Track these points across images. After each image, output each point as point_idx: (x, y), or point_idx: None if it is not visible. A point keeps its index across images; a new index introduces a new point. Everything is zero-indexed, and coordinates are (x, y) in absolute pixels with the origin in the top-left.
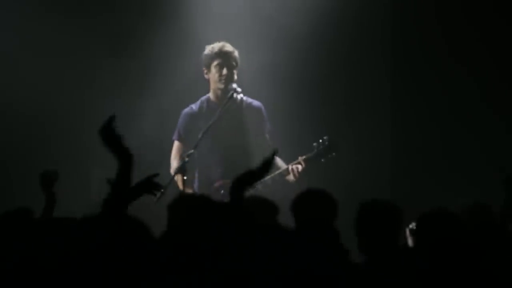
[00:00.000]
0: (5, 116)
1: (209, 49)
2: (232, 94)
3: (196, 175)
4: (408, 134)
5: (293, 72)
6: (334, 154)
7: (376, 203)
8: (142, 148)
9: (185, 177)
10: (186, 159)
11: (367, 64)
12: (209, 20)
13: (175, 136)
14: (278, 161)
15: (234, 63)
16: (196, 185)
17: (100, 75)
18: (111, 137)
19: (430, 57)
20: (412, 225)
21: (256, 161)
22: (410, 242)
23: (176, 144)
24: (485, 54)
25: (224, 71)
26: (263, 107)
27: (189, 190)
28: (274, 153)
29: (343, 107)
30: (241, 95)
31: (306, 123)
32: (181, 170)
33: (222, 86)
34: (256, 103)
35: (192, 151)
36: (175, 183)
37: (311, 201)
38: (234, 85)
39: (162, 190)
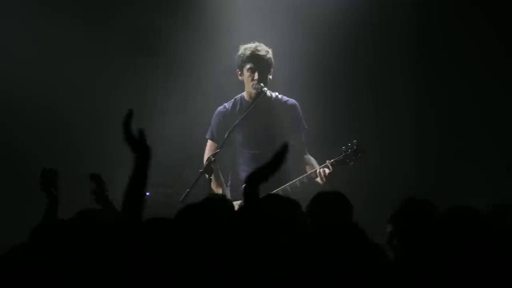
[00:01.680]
0: (30, 116)
1: (242, 50)
2: (259, 93)
3: (230, 173)
4: (432, 134)
5: (319, 73)
6: (362, 157)
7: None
8: (166, 147)
9: (211, 177)
10: (213, 158)
11: (392, 65)
12: (236, 18)
13: (208, 134)
14: (313, 161)
15: (267, 67)
16: (229, 184)
17: (125, 74)
18: (128, 131)
19: (455, 57)
20: None
21: (290, 160)
22: None
23: (209, 143)
24: (509, 53)
25: (256, 75)
26: (298, 105)
27: (219, 190)
28: (285, 147)
29: (368, 107)
30: (276, 93)
31: (331, 123)
32: (207, 170)
33: (254, 90)
34: (291, 101)
35: (218, 150)
36: (205, 182)
37: (326, 204)
38: (261, 84)
39: (188, 190)
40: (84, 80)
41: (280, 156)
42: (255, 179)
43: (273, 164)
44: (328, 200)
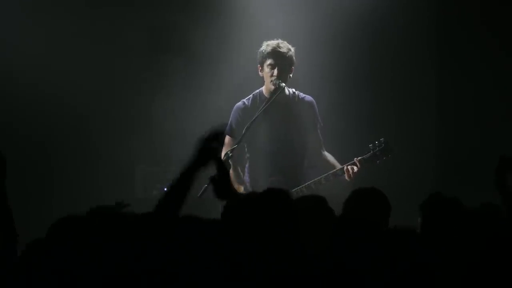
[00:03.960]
0: (51, 115)
1: (264, 46)
2: (277, 88)
3: (247, 170)
4: (453, 132)
5: (338, 70)
6: (389, 156)
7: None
8: (186, 143)
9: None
10: (230, 154)
11: (413, 60)
12: (255, 14)
13: (226, 130)
14: (331, 158)
15: (287, 64)
16: (247, 180)
17: (145, 72)
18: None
19: (477, 53)
20: None
21: (306, 157)
22: None
23: (227, 138)
24: None
25: (275, 72)
26: (315, 102)
27: (240, 187)
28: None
29: (388, 104)
30: (293, 89)
31: (350, 120)
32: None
33: (272, 87)
34: (308, 98)
35: (235, 146)
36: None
37: (364, 200)
38: (280, 80)
39: (206, 186)
40: (103, 78)
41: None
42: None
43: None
44: (367, 197)
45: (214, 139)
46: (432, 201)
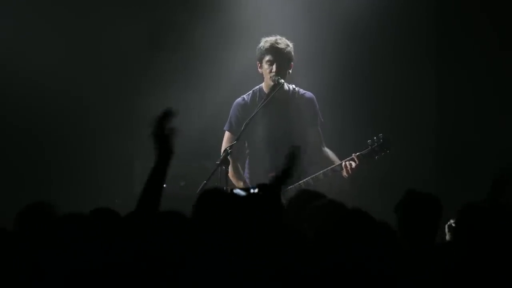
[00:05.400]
0: (50, 111)
1: (262, 43)
2: (276, 85)
3: (247, 166)
4: (452, 130)
5: (337, 68)
6: (388, 151)
7: (418, 193)
8: (185, 140)
9: (227, 169)
10: (229, 150)
11: (413, 60)
12: (255, 11)
13: (226, 126)
14: (331, 154)
15: (286, 60)
16: (246, 177)
17: (145, 69)
18: (160, 128)
19: (477, 49)
20: (451, 222)
21: (308, 153)
22: (448, 238)
23: (227, 134)
24: None
25: (274, 68)
26: (315, 98)
27: (240, 183)
28: (295, 150)
29: (389, 103)
30: (293, 85)
31: (349, 117)
32: (223, 162)
33: (271, 83)
34: (308, 94)
35: (234, 142)
36: (222, 174)
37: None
38: (278, 76)
39: (205, 182)
40: (103, 75)
41: (293, 161)
42: (279, 182)
43: (290, 169)
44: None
45: (162, 128)
46: (407, 200)
